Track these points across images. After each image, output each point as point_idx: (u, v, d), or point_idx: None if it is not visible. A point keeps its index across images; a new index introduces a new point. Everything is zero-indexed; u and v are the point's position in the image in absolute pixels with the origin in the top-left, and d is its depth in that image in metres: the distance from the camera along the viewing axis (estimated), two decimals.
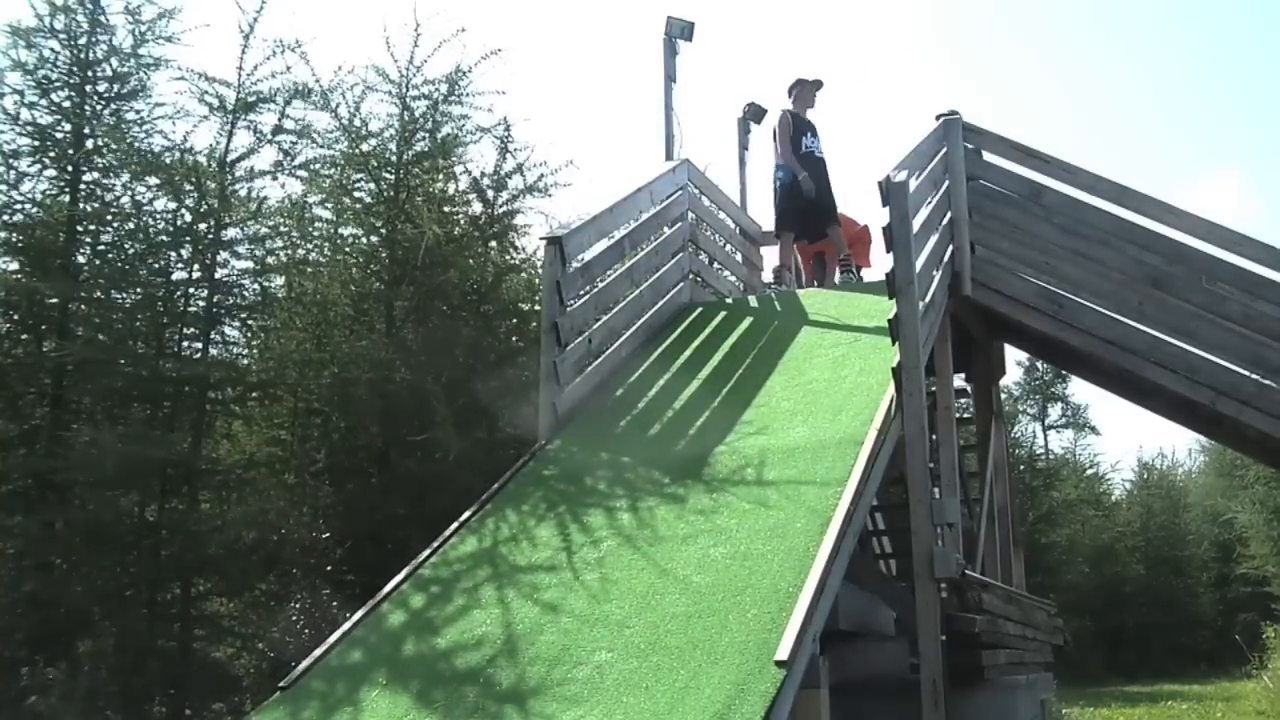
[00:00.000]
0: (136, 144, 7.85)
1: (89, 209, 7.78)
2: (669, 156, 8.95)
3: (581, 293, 7.05)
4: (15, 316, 7.62)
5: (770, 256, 10.03)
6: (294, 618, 7.53)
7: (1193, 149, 59.54)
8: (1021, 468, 20.09)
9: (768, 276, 9.80)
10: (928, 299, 6.10)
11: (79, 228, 7.72)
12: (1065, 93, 62.87)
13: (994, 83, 63.84)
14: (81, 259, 7.83)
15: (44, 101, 7.71)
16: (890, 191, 5.81)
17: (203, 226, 7.86)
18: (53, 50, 7.71)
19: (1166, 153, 60.05)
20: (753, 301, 8.56)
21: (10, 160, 7.59)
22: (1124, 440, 53.54)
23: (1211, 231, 6.75)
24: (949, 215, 7.11)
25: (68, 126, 7.72)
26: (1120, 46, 62.50)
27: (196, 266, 7.87)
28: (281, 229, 8.33)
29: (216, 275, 7.92)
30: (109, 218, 7.83)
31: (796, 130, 8.91)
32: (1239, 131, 56.09)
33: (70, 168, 7.67)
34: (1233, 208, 58.58)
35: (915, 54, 66.01)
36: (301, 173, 8.46)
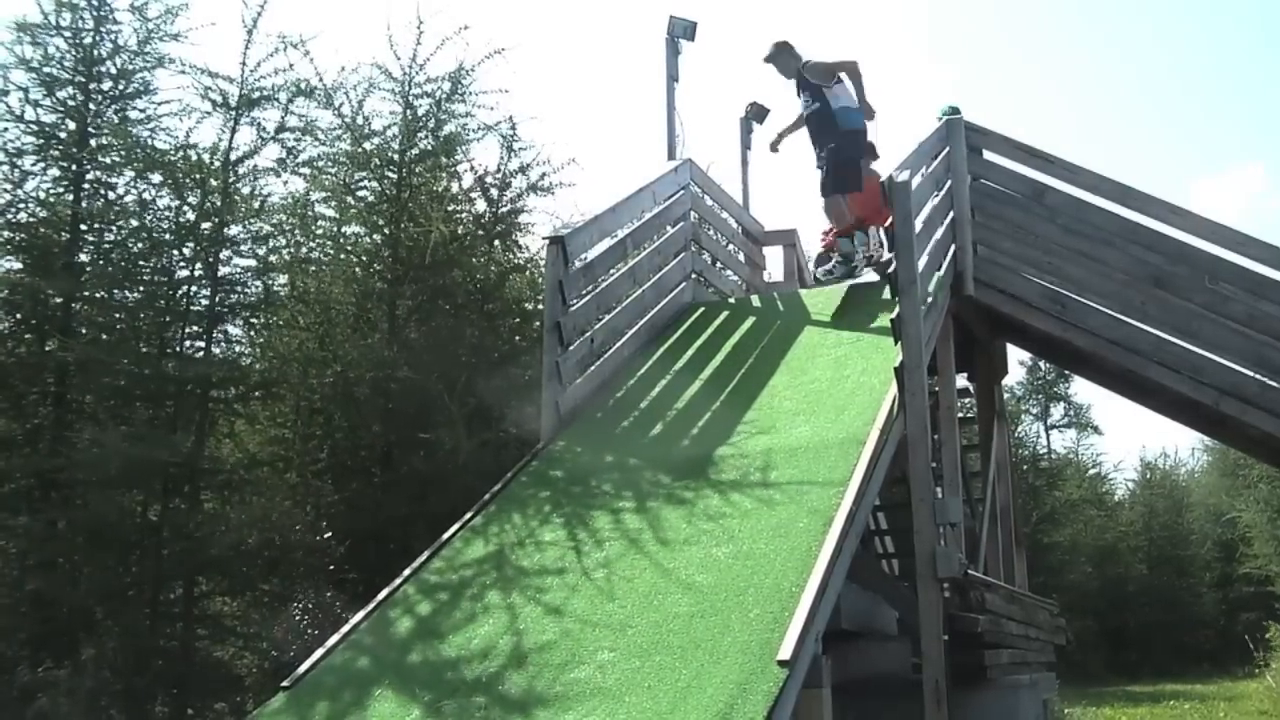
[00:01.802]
0: (140, 142, 7.85)
1: (93, 208, 7.79)
2: (671, 156, 8.94)
3: (584, 292, 7.05)
4: (18, 316, 7.63)
5: (772, 256, 10.04)
6: (297, 617, 7.53)
7: (1216, 143, 59.24)
8: (1024, 468, 20.07)
9: (777, 277, 9.80)
10: (930, 299, 6.10)
11: (82, 226, 7.73)
12: (1083, 86, 62.68)
13: (1003, 78, 63.80)
14: (85, 258, 7.83)
15: (49, 99, 7.71)
16: (893, 191, 5.82)
17: (206, 224, 7.85)
18: (58, 47, 7.72)
19: (1190, 146, 59.81)
20: (755, 301, 8.56)
21: (14, 159, 7.60)
22: (1127, 440, 53.53)
23: (1215, 231, 6.75)
24: (951, 215, 7.11)
25: (72, 124, 7.72)
26: (1144, 38, 62.28)
27: (199, 265, 7.87)
28: (284, 227, 8.33)
29: (219, 273, 7.92)
30: (112, 216, 7.83)
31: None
32: (1264, 125, 55.75)
33: (74, 166, 7.67)
34: (1257, 202, 58.22)
35: (917, 52, 65.97)
36: (304, 170, 8.46)
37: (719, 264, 9.38)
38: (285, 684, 4.58)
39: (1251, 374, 6.53)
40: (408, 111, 8.88)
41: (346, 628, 4.93)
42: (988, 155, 7.36)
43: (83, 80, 7.77)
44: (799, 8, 63.61)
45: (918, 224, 6.03)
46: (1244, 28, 58.74)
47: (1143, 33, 62.81)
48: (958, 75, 63.00)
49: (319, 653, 4.75)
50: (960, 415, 7.89)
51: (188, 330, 7.96)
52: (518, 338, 9.09)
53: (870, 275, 8.43)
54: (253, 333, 8.49)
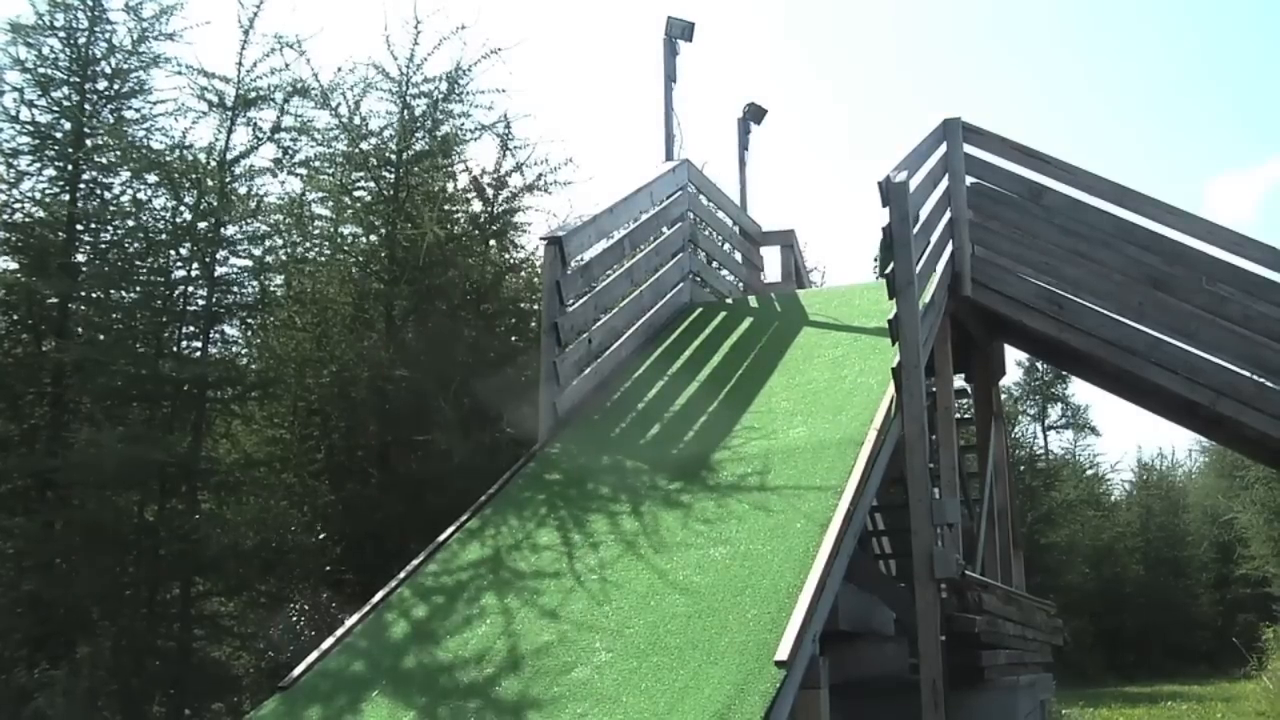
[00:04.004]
0: (136, 142, 7.84)
1: (89, 208, 7.77)
2: (669, 156, 8.95)
3: (581, 293, 7.05)
4: (15, 316, 7.61)
5: (770, 257, 10.04)
6: (293, 618, 7.52)
7: (1242, 135, 58.72)
8: (1021, 468, 20.08)
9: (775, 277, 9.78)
10: (927, 299, 6.10)
11: (79, 226, 7.71)
12: (1105, 78, 62.26)
13: (1007, 75, 63.69)
14: (81, 258, 7.81)
15: (44, 100, 7.69)
16: (890, 191, 5.81)
17: (202, 224, 7.85)
18: (53, 48, 7.70)
19: (1215, 139, 59.35)
20: (753, 302, 8.57)
21: (10, 159, 7.58)
22: (1124, 441, 53.46)
23: (1211, 232, 6.76)
24: (948, 215, 7.12)
25: (68, 125, 7.70)
26: (1167, 29, 61.90)
27: (196, 265, 7.86)
28: (281, 227, 8.32)
29: (216, 273, 7.90)
30: (109, 216, 7.82)
31: None
32: None
33: (70, 166, 7.66)
34: (1274, 198, 57.55)
35: (921, 52, 65.95)
36: (301, 170, 8.45)
37: (716, 264, 9.38)
38: (282, 684, 4.58)
39: (1248, 374, 6.54)
40: (405, 112, 8.86)
41: (341, 630, 4.92)
42: (984, 156, 7.37)
43: (78, 80, 7.75)
44: (797, 8, 63.62)
45: (915, 224, 6.04)
46: (1246, 25, 58.63)
47: (1150, 28, 62.72)
48: (964, 74, 62.95)
49: (313, 656, 4.74)
50: (958, 416, 7.89)
51: (184, 330, 7.94)
52: (514, 338, 9.07)
53: None
54: (249, 333, 8.48)
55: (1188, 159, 58.18)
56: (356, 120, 8.79)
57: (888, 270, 5.87)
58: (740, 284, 9.52)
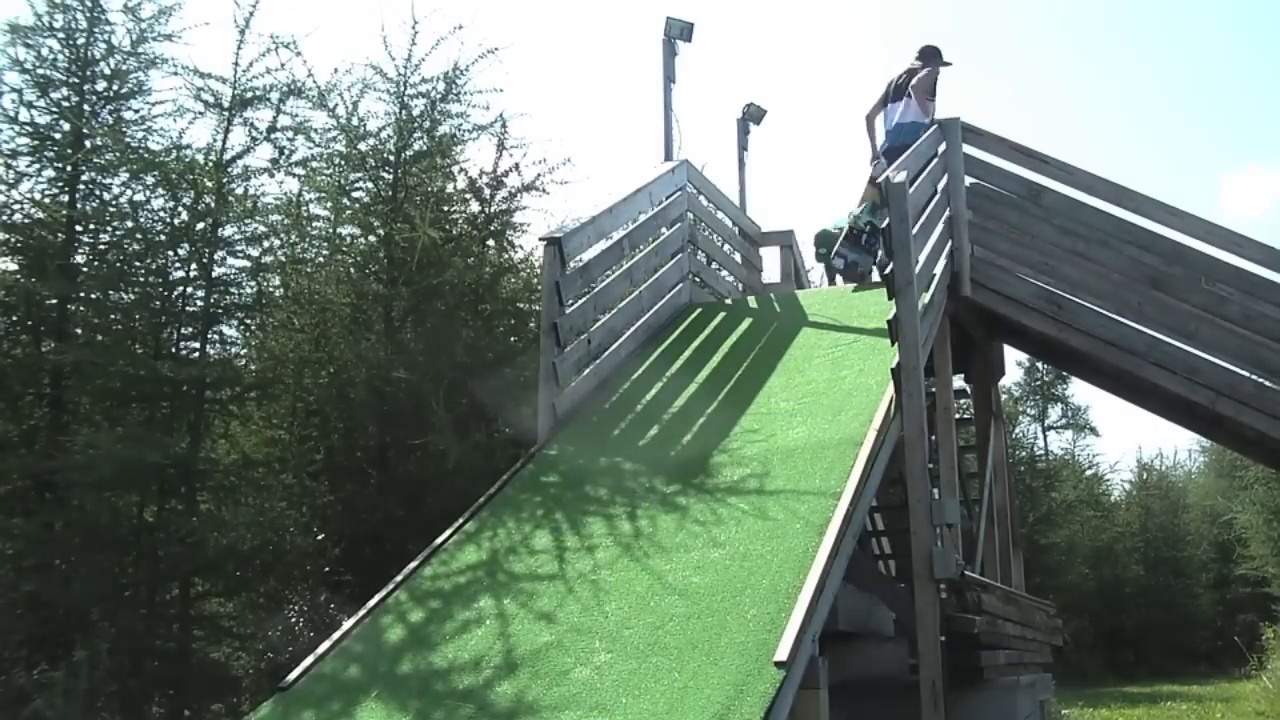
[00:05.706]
0: (135, 143, 7.83)
1: (88, 209, 7.76)
2: (668, 157, 8.94)
3: (581, 293, 7.05)
4: (14, 318, 7.61)
5: (769, 257, 10.02)
6: (292, 619, 7.52)
7: (1260, 129, 58.50)
8: (1021, 469, 20.06)
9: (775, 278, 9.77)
10: (927, 299, 6.10)
11: (77, 228, 7.71)
12: (1110, 74, 62.06)
13: (1006, 77, 63.65)
14: (80, 259, 7.80)
15: (43, 101, 7.69)
16: (889, 192, 5.82)
17: (200, 225, 7.84)
18: (51, 49, 7.69)
19: (1230, 133, 59.15)
20: (752, 302, 8.56)
21: (9, 160, 7.57)
22: (1124, 441, 53.36)
23: (1211, 232, 6.77)
24: (948, 215, 7.12)
25: (66, 126, 7.70)
26: (1174, 23, 61.61)
27: (194, 265, 7.85)
28: (279, 228, 8.31)
29: (214, 274, 7.90)
30: (107, 217, 7.81)
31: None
32: None
33: (69, 167, 7.65)
34: None
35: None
36: (298, 171, 8.43)
37: (716, 265, 9.38)
38: (281, 685, 4.58)
39: (1248, 374, 6.54)
40: (402, 112, 8.86)
41: (337, 634, 4.91)
42: (983, 156, 7.37)
43: (77, 81, 7.74)
44: (797, 8, 63.61)
45: (914, 224, 6.04)
46: (1252, 18, 58.43)
47: (1156, 22, 62.51)
48: (969, 70, 62.79)
49: (308, 660, 4.73)
50: (957, 416, 7.89)
51: (183, 331, 7.92)
52: (513, 339, 9.07)
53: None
54: (247, 334, 8.47)
55: (1201, 153, 58.04)
56: (354, 121, 8.78)
57: (887, 270, 5.87)
58: (739, 284, 9.51)
